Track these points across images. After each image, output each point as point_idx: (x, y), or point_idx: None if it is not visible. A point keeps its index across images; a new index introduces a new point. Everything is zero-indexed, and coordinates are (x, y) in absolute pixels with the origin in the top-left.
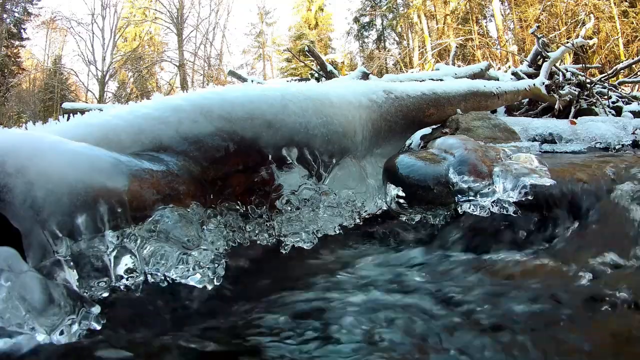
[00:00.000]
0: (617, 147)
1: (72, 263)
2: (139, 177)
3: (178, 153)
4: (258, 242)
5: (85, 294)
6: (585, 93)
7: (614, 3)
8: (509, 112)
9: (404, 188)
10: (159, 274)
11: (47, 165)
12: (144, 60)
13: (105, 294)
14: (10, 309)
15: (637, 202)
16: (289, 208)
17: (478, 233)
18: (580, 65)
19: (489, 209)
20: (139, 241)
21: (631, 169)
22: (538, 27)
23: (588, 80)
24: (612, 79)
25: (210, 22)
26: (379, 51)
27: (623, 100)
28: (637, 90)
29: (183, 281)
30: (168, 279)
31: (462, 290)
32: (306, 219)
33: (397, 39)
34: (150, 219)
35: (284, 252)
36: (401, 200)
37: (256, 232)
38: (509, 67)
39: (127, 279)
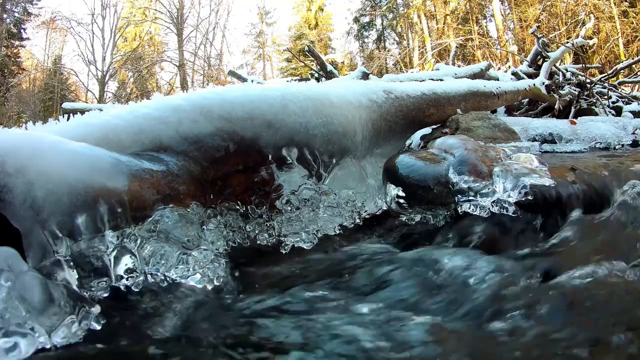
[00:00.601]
0: (617, 147)
1: (72, 263)
2: (139, 177)
3: (178, 153)
4: (258, 242)
5: (85, 294)
6: (585, 93)
7: (614, 3)
8: (509, 112)
9: (404, 188)
10: (159, 274)
11: (47, 165)
12: (144, 60)
13: (105, 294)
14: (10, 309)
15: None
16: (289, 208)
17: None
18: (580, 65)
19: (489, 209)
20: (139, 241)
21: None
22: (538, 27)
23: (588, 80)
24: (612, 79)
25: (210, 22)
26: (379, 51)
27: (623, 100)
28: (637, 90)
29: (183, 281)
30: (168, 279)
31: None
32: (306, 219)
33: (397, 39)
34: (150, 219)
35: (283, 252)
36: (401, 200)
37: (256, 232)
38: (509, 67)
39: (127, 279)
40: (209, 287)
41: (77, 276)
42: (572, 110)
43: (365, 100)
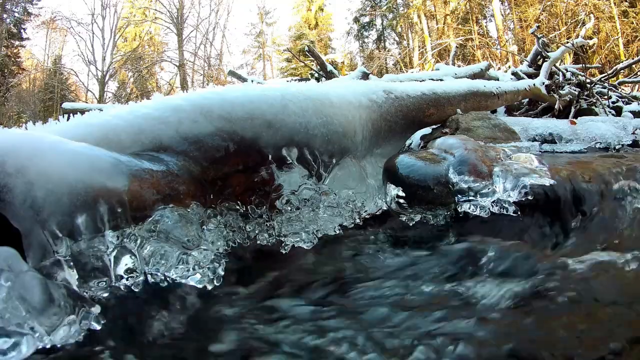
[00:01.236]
0: (617, 147)
1: (72, 263)
2: (139, 177)
3: (178, 153)
4: (258, 242)
5: (85, 294)
6: (585, 93)
7: (614, 3)
8: (509, 112)
9: (404, 188)
10: (159, 274)
11: (47, 165)
12: (144, 60)
13: (105, 294)
14: (10, 309)
15: None
16: (289, 208)
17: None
18: (580, 65)
19: (489, 209)
20: (139, 241)
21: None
22: (538, 27)
23: (588, 80)
24: (612, 79)
25: (210, 22)
26: (379, 51)
27: (623, 100)
28: (637, 90)
29: (183, 281)
30: (168, 279)
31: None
32: (306, 219)
33: (397, 39)
34: (150, 219)
35: (283, 252)
36: (401, 200)
37: (256, 232)
38: (509, 67)
39: (127, 279)
40: (209, 287)
41: (77, 276)
42: (572, 110)
43: (365, 100)
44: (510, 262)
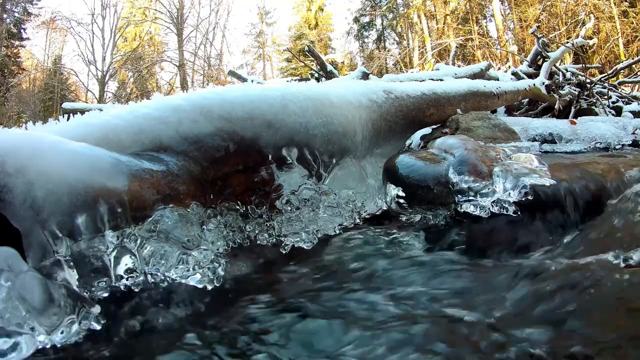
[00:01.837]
0: (617, 147)
1: (72, 263)
2: (139, 177)
3: (178, 153)
4: (258, 242)
5: (85, 294)
6: (585, 93)
7: (614, 3)
8: (509, 112)
9: (404, 188)
10: (159, 274)
11: (47, 165)
12: (144, 60)
13: (105, 294)
14: (10, 309)
15: None
16: (289, 208)
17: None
18: (580, 65)
19: (489, 209)
20: (139, 241)
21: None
22: (538, 27)
23: (588, 80)
24: (612, 79)
25: (210, 22)
26: (379, 51)
27: (623, 100)
28: (637, 90)
29: (183, 281)
30: (168, 279)
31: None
32: (306, 219)
33: (397, 39)
34: (150, 219)
35: (283, 252)
36: (401, 200)
37: (256, 232)
38: (509, 67)
39: (127, 279)
40: (209, 287)
41: (77, 276)
42: (572, 110)
43: (365, 100)
44: (510, 263)
